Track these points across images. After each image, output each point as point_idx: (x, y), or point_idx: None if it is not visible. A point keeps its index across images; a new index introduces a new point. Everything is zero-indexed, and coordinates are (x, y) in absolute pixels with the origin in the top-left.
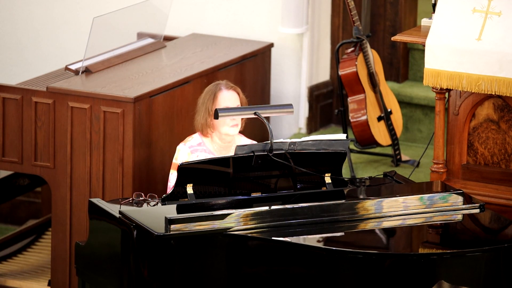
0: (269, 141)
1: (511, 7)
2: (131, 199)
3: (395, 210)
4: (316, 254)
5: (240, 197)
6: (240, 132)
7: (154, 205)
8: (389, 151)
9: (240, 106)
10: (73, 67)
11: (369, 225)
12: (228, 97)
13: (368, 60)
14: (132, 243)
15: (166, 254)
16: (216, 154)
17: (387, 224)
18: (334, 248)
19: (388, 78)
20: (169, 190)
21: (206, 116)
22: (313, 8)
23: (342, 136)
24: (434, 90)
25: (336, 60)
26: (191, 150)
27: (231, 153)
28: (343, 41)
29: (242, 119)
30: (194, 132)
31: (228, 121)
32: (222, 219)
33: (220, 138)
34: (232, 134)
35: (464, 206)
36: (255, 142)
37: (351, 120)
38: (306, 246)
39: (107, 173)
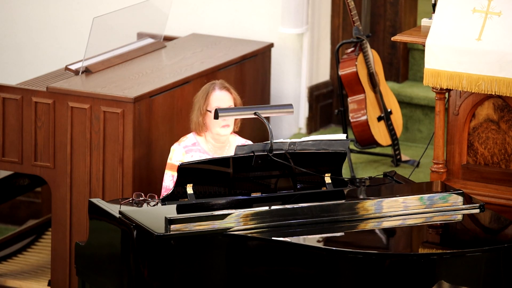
0: (269, 141)
1: (511, 7)
2: (131, 199)
3: (395, 210)
4: (316, 254)
5: (240, 197)
6: (237, 132)
7: (154, 205)
8: (389, 151)
9: (231, 106)
10: (73, 67)
11: (369, 225)
12: (220, 97)
13: (368, 60)
14: (132, 243)
15: (166, 254)
16: (211, 154)
17: (387, 224)
18: (334, 248)
19: (388, 78)
20: (163, 191)
21: (199, 115)
22: (313, 8)
23: (342, 136)
24: (434, 90)
25: (336, 60)
26: (186, 150)
27: (231, 153)
28: (343, 41)
29: (235, 120)
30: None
31: (219, 121)
32: (222, 219)
33: (213, 138)
34: (223, 135)
35: (464, 206)
36: (250, 142)
37: (351, 120)
38: (306, 246)
39: (107, 173)
